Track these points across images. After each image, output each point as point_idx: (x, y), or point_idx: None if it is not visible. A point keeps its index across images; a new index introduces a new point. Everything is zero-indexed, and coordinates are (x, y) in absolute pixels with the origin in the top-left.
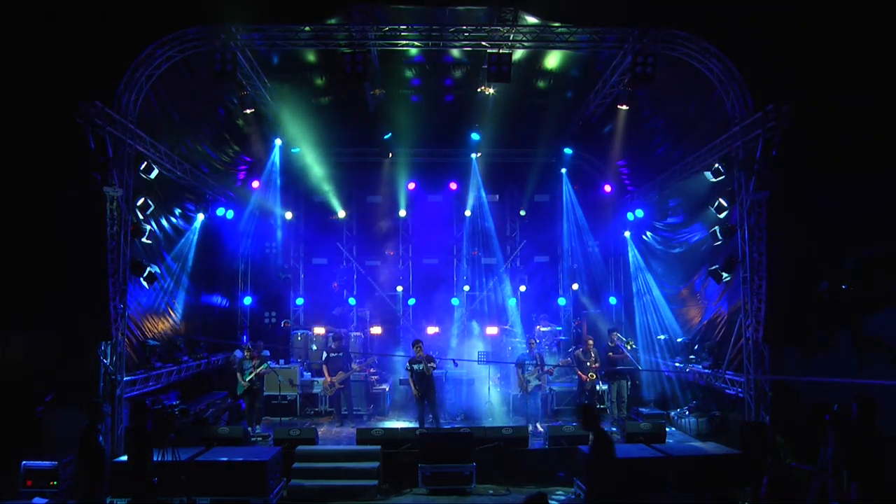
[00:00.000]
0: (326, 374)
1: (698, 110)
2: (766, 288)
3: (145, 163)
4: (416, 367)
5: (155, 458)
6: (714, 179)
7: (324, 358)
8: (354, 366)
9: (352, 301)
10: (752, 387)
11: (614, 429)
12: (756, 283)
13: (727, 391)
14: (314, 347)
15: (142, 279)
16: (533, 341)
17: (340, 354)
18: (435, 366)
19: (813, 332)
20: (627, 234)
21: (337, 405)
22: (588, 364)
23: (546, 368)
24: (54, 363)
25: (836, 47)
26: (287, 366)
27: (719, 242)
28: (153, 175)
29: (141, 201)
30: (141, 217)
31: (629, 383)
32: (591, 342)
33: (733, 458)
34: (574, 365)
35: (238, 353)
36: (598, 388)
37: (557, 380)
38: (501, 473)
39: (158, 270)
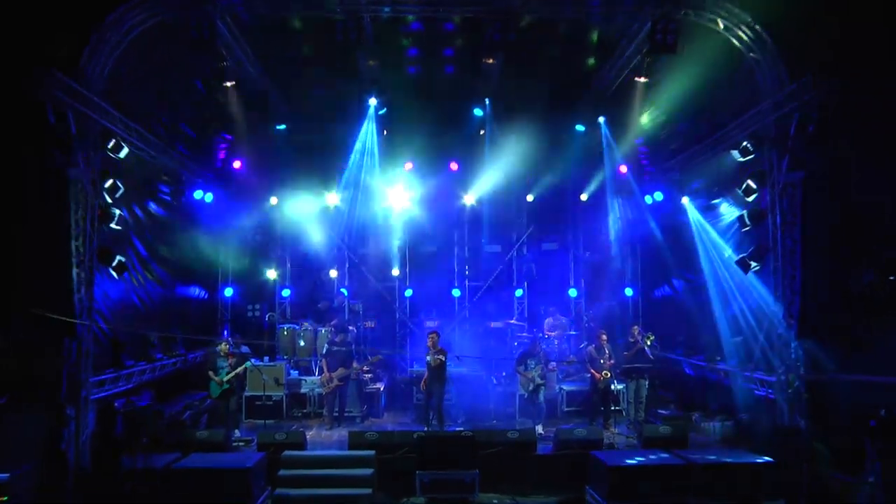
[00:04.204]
0: (326, 369)
1: (725, 82)
2: (800, 279)
3: (114, 140)
4: (427, 358)
5: (125, 466)
6: (742, 159)
7: (324, 351)
8: (355, 364)
9: (343, 292)
10: (784, 387)
11: (629, 432)
12: (789, 273)
13: (756, 392)
14: (302, 343)
15: (110, 269)
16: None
17: (343, 349)
18: (442, 359)
19: (854, 328)
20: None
21: (329, 405)
22: (602, 361)
23: (550, 366)
24: (9, 363)
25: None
26: (272, 363)
27: (747, 228)
28: (123, 154)
29: (109, 183)
30: (109, 200)
31: (648, 382)
32: (604, 337)
33: (764, 467)
34: (586, 362)
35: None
36: (612, 387)
37: (568, 378)
38: (507, 481)
39: (129, 259)
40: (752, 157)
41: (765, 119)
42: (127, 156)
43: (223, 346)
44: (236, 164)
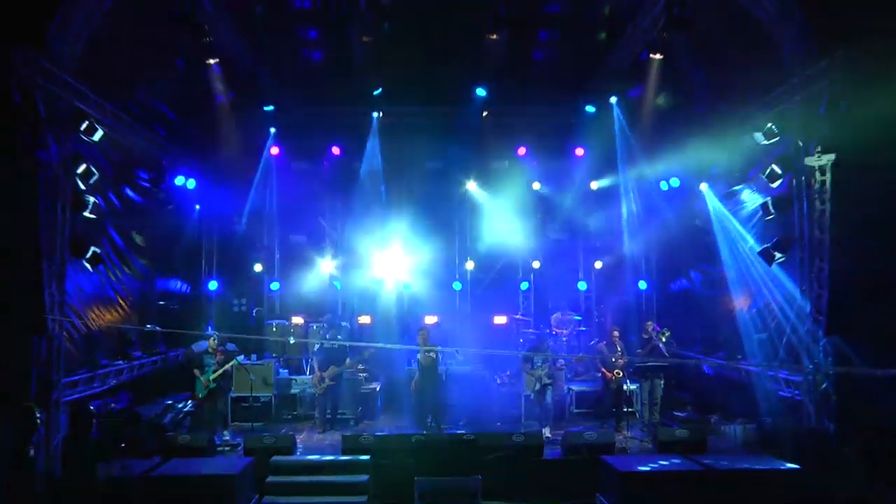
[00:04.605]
0: (317, 368)
1: (746, 59)
2: (828, 271)
3: (87, 122)
4: (417, 356)
5: (101, 473)
6: (766, 142)
7: (315, 348)
8: (348, 361)
9: (337, 285)
10: (811, 388)
11: (643, 435)
12: (817, 265)
13: (780, 393)
14: (292, 340)
15: (84, 261)
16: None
17: (334, 346)
18: (434, 356)
19: (888, 325)
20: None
21: (321, 407)
22: (613, 359)
23: (558, 364)
24: None
25: None
26: (260, 362)
27: (771, 217)
28: (97, 137)
29: (82, 168)
30: (82, 187)
31: (663, 382)
32: (616, 334)
33: (789, 475)
34: (597, 360)
35: (203, 343)
36: (625, 387)
37: (578, 378)
38: (511, 487)
39: (104, 251)
40: (776, 139)
41: (791, 98)
42: (101, 139)
43: (211, 342)
44: (222, 148)
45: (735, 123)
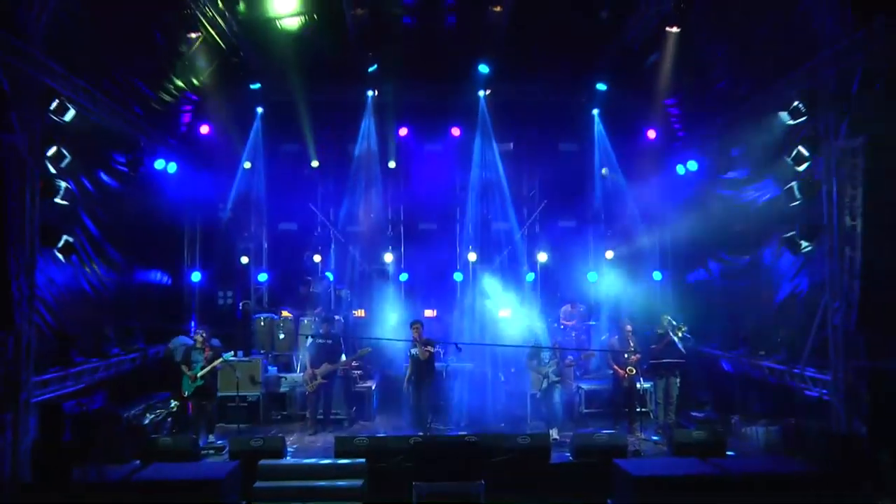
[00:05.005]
0: (308, 366)
1: (773, 32)
2: (860, 261)
3: (57, 101)
4: (412, 351)
5: (75, 479)
6: (792, 121)
7: (307, 344)
8: (344, 358)
9: (329, 276)
10: (840, 387)
11: (658, 437)
12: (847, 254)
13: (807, 392)
14: (281, 335)
15: (56, 251)
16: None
17: (329, 342)
18: (433, 350)
19: None
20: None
21: (313, 406)
22: (626, 356)
23: (567, 361)
24: None
25: None
26: (247, 359)
27: (797, 202)
28: (68, 117)
29: (53, 151)
30: (53, 171)
31: (679, 380)
32: (629, 328)
33: (816, 480)
34: (608, 357)
35: (181, 338)
36: (638, 385)
37: (588, 376)
38: (516, 492)
39: (78, 240)
40: (803, 119)
41: (821, 74)
42: (73, 119)
43: (198, 337)
44: (203, 129)
45: (758, 102)
